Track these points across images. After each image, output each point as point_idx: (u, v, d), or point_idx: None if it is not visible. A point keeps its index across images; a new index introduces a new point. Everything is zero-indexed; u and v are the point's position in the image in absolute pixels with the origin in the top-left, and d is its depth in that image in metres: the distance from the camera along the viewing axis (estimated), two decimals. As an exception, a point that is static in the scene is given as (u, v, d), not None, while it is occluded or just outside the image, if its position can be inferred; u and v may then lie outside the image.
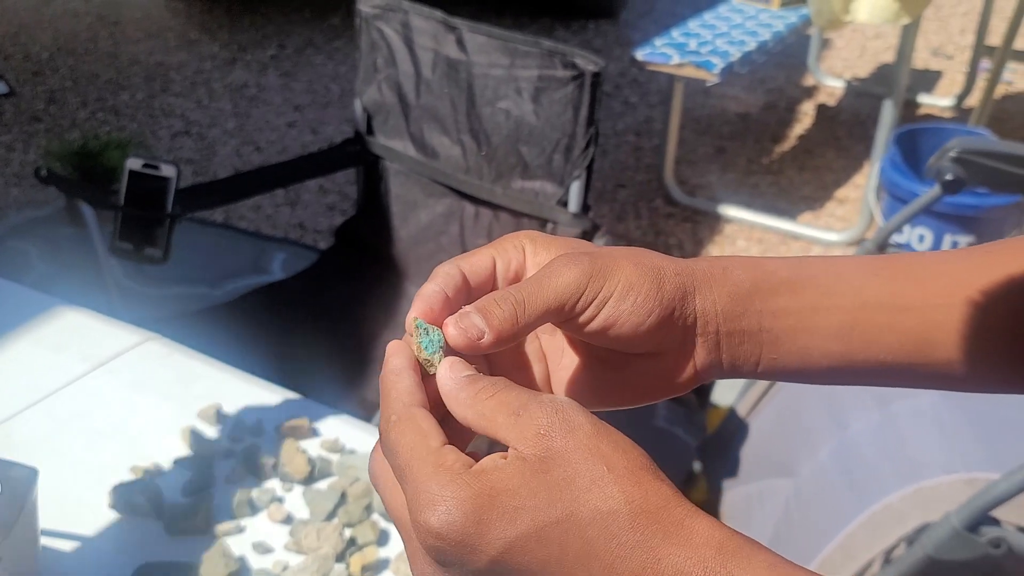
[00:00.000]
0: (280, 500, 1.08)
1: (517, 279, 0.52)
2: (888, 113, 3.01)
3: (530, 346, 0.55)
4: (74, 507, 1.04)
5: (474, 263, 0.51)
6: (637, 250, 0.52)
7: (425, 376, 0.47)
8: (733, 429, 1.93)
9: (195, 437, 1.14)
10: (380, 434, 0.46)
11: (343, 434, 1.16)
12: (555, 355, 0.55)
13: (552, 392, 0.55)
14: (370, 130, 1.98)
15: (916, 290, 0.54)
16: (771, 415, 1.87)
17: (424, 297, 0.49)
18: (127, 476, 1.08)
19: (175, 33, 4.70)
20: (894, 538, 1.37)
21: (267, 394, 1.23)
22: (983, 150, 1.78)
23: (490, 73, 1.79)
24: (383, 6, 1.88)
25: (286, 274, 2.63)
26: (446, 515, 0.41)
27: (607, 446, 0.42)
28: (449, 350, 0.48)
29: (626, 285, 0.49)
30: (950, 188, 1.76)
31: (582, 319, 0.49)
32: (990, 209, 2.70)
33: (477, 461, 0.43)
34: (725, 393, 2.22)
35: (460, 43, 1.83)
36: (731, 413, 1.96)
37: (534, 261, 0.52)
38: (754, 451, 1.87)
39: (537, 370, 0.55)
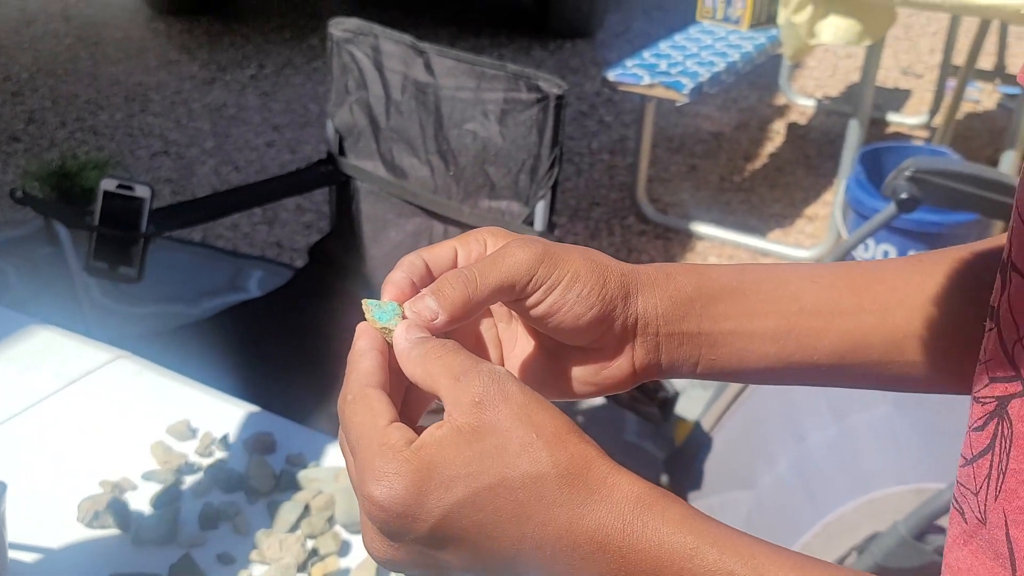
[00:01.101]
0: (245, 512, 1.11)
1: None
2: (854, 132, 3.07)
3: (487, 333, 0.59)
4: (43, 521, 1.07)
5: (437, 253, 0.55)
6: (587, 249, 0.55)
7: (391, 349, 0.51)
8: (698, 443, 1.97)
9: (164, 451, 1.17)
10: (338, 412, 0.51)
11: (308, 449, 1.20)
12: (509, 343, 0.59)
13: None
14: (342, 151, 2.02)
15: (851, 297, 0.57)
16: (734, 429, 1.92)
17: (392, 283, 0.53)
18: (96, 490, 1.11)
19: (155, 53, 4.74)
20: (846, 547, 1.41)
21: (236, 410, 1.27)
22: (937, 169, 1.83)
23: (457, 96, 1.83)
24: (354, 30, 1.92)
25: (262, 292, 2.66)
26: (388, 489, 0.45)
27: (537, 413, 0.46)
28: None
29: (573, 275, 0.53)
30: (905, 207, 1.82)
31: (529, 302, 0.53)
32: (953, 226, 2.76)
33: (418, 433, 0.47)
34: (692, 407, 2.26)
35: (428, 67, 1.88)
36: (696, 427, 2.00)
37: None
38: (718, 464, 1.91)
39: (492, 355, 0.59)
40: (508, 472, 0.45)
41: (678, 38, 3.38)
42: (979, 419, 0.45)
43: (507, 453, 0.45)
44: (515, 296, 0.53)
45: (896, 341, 0.57)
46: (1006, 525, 0.41)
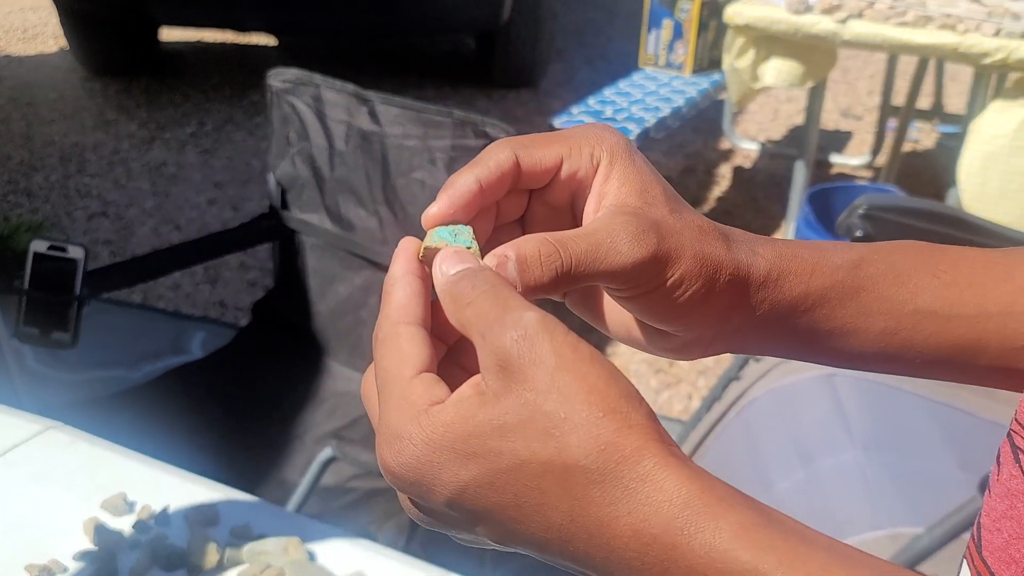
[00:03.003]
0: (187, 592, 1.03)
1: (575, 192, 0.48)
2: (800, 173, 3.08)
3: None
4: (-36, 611, 0.98)
5: (535, 157, 0.47)
6: (701, 230, 0.47)
7: None
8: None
9: (99, 530, 1.09)
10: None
11: (254, 519, 1.12)
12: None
13: None
14: (285, 204, 1.96)
15: (973, 297, 0.51)
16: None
17: (451, 194, 0.45)
18: (21, 574, 1.03)
19: (91, 113, 4.65)
20: (823, 598, 1.35)
21: (175, 480, 1.19)
22: (889, 206, 1.82)
23: (404, 144, 1.78)
24: (294, 80, 1.87)
25: (205, 354, 2.57)
26: (400, 455, 0.40)
27: (572, 384, 0.38)
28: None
29: (680, 277, 0.46)
30: (861, 244, 1.79)
31: (624, 295, 0.47)
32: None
33: (452, 390, 0.41)
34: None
35: (373, 115, 1.83)
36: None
37: (601, 188, 0.47)
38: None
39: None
40: (530, 455, 0.38)
41: (623, 84, 3.38)
42: None
43: (530, 433, 0.38)
44: (609, 286, 0.46)
45: (1015, 349, 0.51)
46: None
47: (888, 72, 3.85)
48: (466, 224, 0.46)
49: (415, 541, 1.55)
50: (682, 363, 2.83)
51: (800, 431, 1.70)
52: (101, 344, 2.61)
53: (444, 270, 0.43)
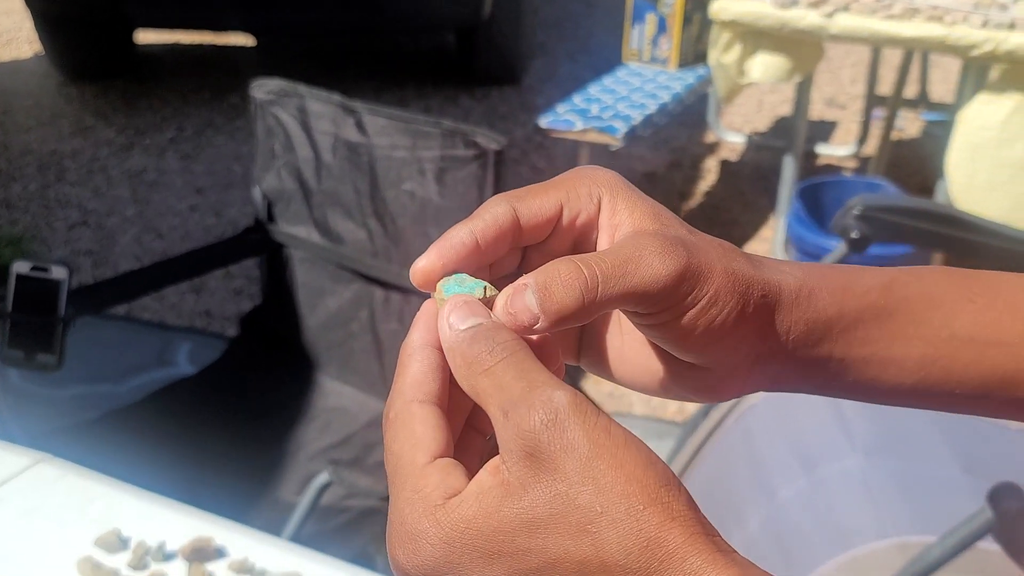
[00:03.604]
0: (187, 633, 1.00)
1: (583, 236, 0.45)
2: (789, 167, 3.06)
3: None
4: (-43, 662, 0.95)
5: (534, 206, 0.43)
6: (728, 252, 0.45)
7: None
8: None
9: (92, 568, 1.06)
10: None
11: (252, 551, 1.09)
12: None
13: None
14: (271, 217, 1.92)
15: (1012, 322, 0.49)
16: (698, 484, 1.84)
17: (445, 249, 0.41)
18: (16, 621, 1.00)
19: (69, 120, 4.59)
20: (832, 610, 1.34)
21: (171, 513, 1.16)
22: (885, 206, 1.80)
23: (392, 155, 1.75)
24: (278, 92, 1.84)
25: (193, 366, 2.54)
26: (415, 556, 0.37)
27: (607, 473, 0.36)
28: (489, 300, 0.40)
29: (712, 297, 0.43)
30: (856, 246, 1.78)
31: (656, 320, 0.43)
32: (892, 259, 2.75)
33: (472, 475, 0.38)
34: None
35: (360, 126, 1.79)
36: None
37: (610, 221, 0.44)
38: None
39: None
40: (563, 554, 0.36)
41: (607, 81, 3.35)
42: None
43: (563, 529, 0.36)
44: (638, 309, 0.42)
45: None
46: None
47: (872, 61, 3.83)
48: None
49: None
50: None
51: (800, 437, 1.68)
52: (86, 359, 2.57)
53: (452, 323, 0.40)
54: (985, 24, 2.48)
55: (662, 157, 4.21)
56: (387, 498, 0.38)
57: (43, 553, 1.09)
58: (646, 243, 0.42)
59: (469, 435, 0.44)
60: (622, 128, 2.93)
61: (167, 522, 1.14)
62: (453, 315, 0.40)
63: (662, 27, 3.45)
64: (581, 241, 0.45)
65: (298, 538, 1.46)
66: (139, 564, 1.08)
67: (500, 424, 0.37)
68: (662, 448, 2.18)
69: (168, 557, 1.09)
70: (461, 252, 0.42)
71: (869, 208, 1.77)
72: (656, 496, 0.36)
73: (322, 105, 1.82)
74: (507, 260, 0.45)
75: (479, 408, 0.42)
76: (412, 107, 4.69)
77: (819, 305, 0.46)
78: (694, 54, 3.49)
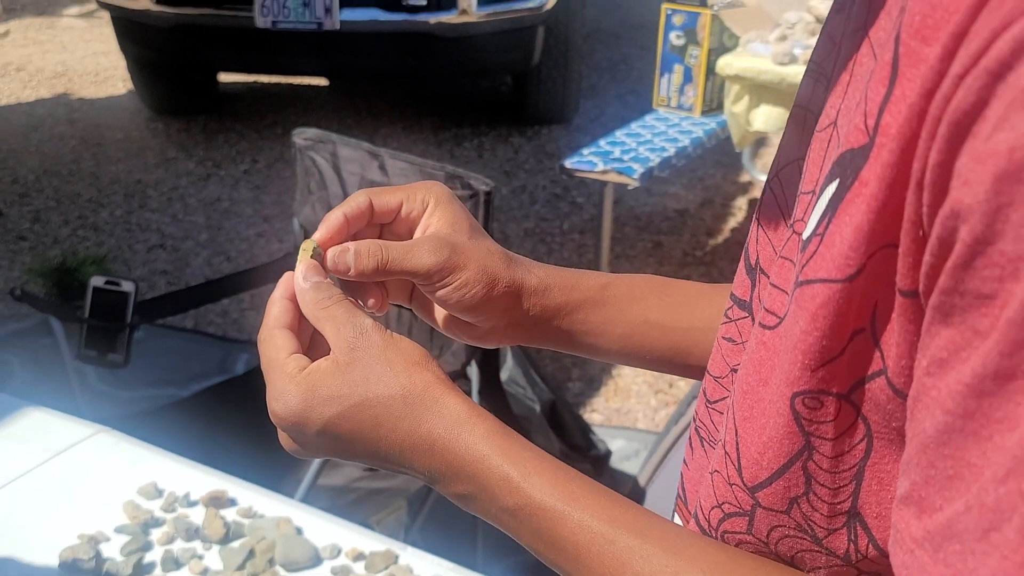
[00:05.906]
0: (200, 557, 1.31)
1: (411, 225, 0.69)
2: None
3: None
4: (27, 569, 1.28)
5: (383, 201, 0.68)
6: (489, 255, 0.69)
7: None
8: (635, 499, 2.15)
9: (134, 508, 1.38)
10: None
11: (256, 502, 1.40)
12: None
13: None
14: (308, 244, 2.25)
15: (687, 314, 0.73)
16: (665, 484, 2.10)
17: (327, 224, 0.66)
18: (75, 541, 1.32)
19: (154, 152, 5.02)
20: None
21: (197, 473, 1.47)
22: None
23: (405, 193, 2.07)
24: (314, 139, 2.17)
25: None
26: (283, 405, 0.62)
27: (392, 352, 0.61)
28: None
29: (464, 282, 0.67)
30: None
31: (428, 290, 0.68)
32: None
33: (312, 362, 0.62)
34: (634, 463, 2.45)
35: (382, 168, 2.12)
36: (634, 483, 2.19)
37: (427, 220, 0.69)
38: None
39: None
40: (368, 394, 0.60)
41: (634, 126, 3.64)
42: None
43: (368, 381, 0.60)
44: (415, 281, 0.68)
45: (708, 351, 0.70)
46: None
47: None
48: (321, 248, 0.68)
49: (412, 532, 1.82)
50: (679, 383, 3.07)
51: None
52: (155, 365, 2.94)
53: (307, 277, 0.66)
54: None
55: (695, 195, 4.46)
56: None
57: (98, 497, 1.41)
58: (425, 242, 0.67)
59: (310, 353, 0.69)
60: (639, 169, 3.21)
61: (192, 478, 1.45)
62: (306, 272, 0.66)
63: (688, 77, 3.73)
64: (412, 228, 0.72)
65: (307, 500, 1.76)
66: (169, 508, 1.39)
67: (334, 333, 0.63)
68: (642, 449, 2.44)
69: (191, 504, 1.40)
70: (336, 226, 0.68)
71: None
72: (420, 360, 0.61)
73: (351, 150, 2.15)
74: (369, 232, 0.70)
75: (314, 344, 0.69)
76: (466, 144, 5.02)
77: (551, 296, 0.73)
78: (718, 101, 3.75)
